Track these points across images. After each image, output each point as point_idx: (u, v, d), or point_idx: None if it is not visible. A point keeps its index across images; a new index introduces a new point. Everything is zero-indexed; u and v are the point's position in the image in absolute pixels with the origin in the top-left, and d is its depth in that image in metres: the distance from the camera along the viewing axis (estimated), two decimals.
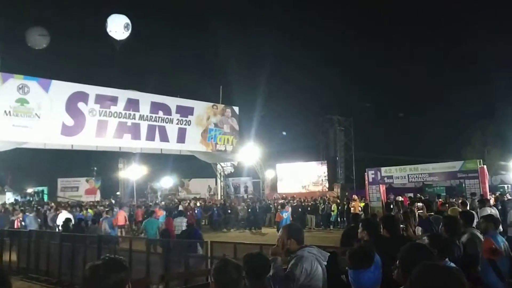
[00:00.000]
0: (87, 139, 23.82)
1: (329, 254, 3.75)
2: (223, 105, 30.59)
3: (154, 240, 12.75)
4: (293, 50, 64.28)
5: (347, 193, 32.18)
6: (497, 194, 21.73)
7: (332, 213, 25.05)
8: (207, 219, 27.29)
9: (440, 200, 18.27)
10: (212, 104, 29.96)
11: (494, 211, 10.91)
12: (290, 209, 22.88)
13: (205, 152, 29.95)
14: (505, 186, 31.83)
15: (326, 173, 38.18)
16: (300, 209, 25.20)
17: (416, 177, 22.24)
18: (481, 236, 5.86)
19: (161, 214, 19.32)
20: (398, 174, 22.31)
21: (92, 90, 23.87)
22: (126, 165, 37.37)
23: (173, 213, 20.74)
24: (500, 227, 7.09)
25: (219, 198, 33.18)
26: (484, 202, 11.68)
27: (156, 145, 27.20)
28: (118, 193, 41.96)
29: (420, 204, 12.78)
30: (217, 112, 30.03)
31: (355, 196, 24.28)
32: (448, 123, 48.18)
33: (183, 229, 13.26)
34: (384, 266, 3.74)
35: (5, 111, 20.61)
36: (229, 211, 27.01)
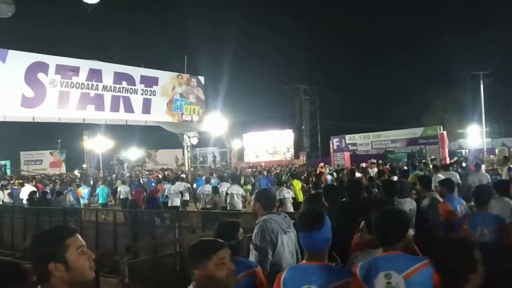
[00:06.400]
0: (48, 111, 23.10)
1: (293, 221, 3.79)
2: (188, 75, 30.20)
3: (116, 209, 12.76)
4: (260, 19, 63.43)
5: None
6: (455, 158, 22.55)
7: None
8: None
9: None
10: (177, 74, 29.51)
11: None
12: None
13: (171, 122, 29.72)
14: (463, 151, 33.10)
15: (292, 142, 38.62)
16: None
17: (379, 144, 22.81)
18: (441, 200, 6.13)
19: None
20: (362, 141, 22.87)
21: (52, 60, 22.96)
22: (91, 137, 36.76)
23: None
24: None
25: (186, 168, 33.09)
26: (437, 168, 11.91)
27: (121, 116, 26.84)
28: (84, 165, 41.28)
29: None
30: (182, 82, 29.65)
31: (321, 164, 24.66)
32: (410, 91, 49.27)
33: None
34: (345, 227, 3.83)
35: None
36: None
